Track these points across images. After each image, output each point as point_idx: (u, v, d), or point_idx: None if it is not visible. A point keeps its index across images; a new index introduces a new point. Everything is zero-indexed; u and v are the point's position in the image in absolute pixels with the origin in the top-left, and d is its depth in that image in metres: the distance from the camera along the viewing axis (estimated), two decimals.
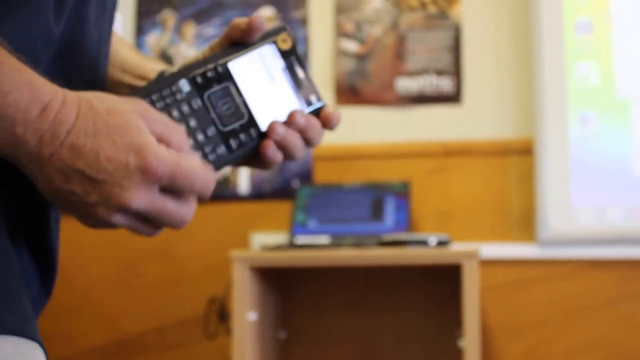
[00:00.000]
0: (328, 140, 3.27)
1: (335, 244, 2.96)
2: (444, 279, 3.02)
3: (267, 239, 3.18)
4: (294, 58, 0.95)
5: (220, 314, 3.23)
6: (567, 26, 3.13)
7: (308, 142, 0.93)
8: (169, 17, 3.45)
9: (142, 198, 0.79)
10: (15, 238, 0.84)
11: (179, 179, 0.80)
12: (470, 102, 3.25)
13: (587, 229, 3.09)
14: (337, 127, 0.96)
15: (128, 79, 1.06)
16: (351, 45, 3.32)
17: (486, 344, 3.10)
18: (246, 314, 2.80)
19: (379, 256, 2.83)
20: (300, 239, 2.99)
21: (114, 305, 3.39)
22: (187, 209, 0.82)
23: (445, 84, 3.26)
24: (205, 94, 0.90)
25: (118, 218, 0.80)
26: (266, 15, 3.39)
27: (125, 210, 0.79)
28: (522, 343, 3.16)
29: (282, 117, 0.93)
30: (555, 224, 3.08)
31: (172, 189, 0.81)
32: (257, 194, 3.32)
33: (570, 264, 3.14)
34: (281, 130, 0.91)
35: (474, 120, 3.24)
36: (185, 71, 0.90)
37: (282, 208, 3.27)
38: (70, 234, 3.34)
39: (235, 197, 3.34)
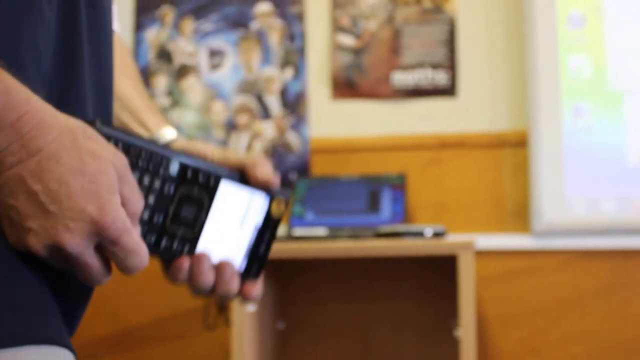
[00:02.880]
0: (325, 133, 3.30)
1: (333, 235, 2.96)
2: (440, 270, 3.03)
3: None
4: (272, 226, 0.93)
5: (219, 305, 3.25)
6: (560, 19, 3.15)
7: (218, 293, 0.92)
8: (167, 12, 3.46)
9: (80, 246, 0.75)
10: None
11: (120, 245, 0.78)
12: (465, 95, 3.26)
13: (580, 219, 3.10)
14: (251, 304, 0.94)
15: (125, 118, 1.04)
16: (347, 40, 3.34)
17: (482, 334, 3.11)
18: (245, 305, 2.83)
19: (375, 247, 2.83)
20: (298, 231, 3.00)
21: (115, 297, 3.40)
22: (105, 274, 0.80)
23: (440, 78, 3.27)
24: (181, 189, 0.87)
25: (44, 252, 0.75)
26: (263, 10, 3.41)
27: (57, 249, 0.75)
28: (517, 332, 3.17)
29: (217, 256, 0.90)
30: (550, 215, 3.10)
31: (107, 250, 0.78)
32: None
33: (564, 255, 3.15)
34: (205, 268, 0.89)
35: (468, 113, 3.26)
36: (185, 157, 0.87)
37: None
38: None
39: None
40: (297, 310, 3.26)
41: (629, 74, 3.11)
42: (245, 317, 2.81)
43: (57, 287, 0.81)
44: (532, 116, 3.13)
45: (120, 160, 0.78)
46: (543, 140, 3.11)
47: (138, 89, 1.08)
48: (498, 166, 3.22)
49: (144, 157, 0.83)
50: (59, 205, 0.74)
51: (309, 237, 2.96)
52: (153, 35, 3.46)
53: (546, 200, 3.10)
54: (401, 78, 3.29)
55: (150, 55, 3.46)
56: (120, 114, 1.04)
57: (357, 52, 3.33)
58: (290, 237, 2.98)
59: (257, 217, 0.92)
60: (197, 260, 0.89)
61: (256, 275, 0.93)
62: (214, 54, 3.43)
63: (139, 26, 3.47)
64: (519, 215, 3.19)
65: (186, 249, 0.88)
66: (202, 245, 0.89)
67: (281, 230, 3.15)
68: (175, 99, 3.43)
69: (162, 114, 1.04)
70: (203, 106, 3.41)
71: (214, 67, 3.43)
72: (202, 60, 3.44)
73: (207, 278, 0.90)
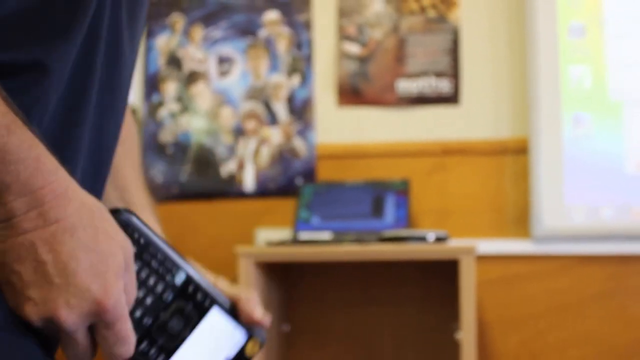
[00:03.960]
0: (331, 139, 3.34)
1: (337, 239, 2.96)
2: (442, 274, 3.05)
3: (271, 235, 3.19)
4: None
5: None
6: (561, 30, 3.16)
7: None
8: (177, 20, 3.49)
9: (76, 323, 0.73)
10: None
11: (113, 330, 0.75)
12: (467, 103, 3.28)
13: (579, 225, 3.11)
14: None
15: (113, 197, 1.01)
16: (353, 48, 3.36)
17: (482, 337, 3.14)
18: None
19: (379, 252, 2.84)
20: (304, 235, 3.00)
21: None
22: (89, 356, 0.77)
23: (443, 86, 3.29)
24: (177, 301, 0.87)
25: (39, 323, 0.73)
26: (272, 18, 3.45)
27: (52, 322, 0.73)
28: (517, 336, 3.18)
29: None
30: (549, 221, 3.11)
31: (98, 333, 0.76)
32: (262, 192, 3.35)
33: (564, 260, 3.16)
34: None
35: (471, 121, 3.27)
36: (192, 270, 0.88)
37: (286, 205, 3.30)
38: None
39: (241, 195, 3.36)
40: (302, 313, 3.28)
41: (629, 85, 3.12)
42: None
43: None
44: (533, 124, 3.15)
45: (128, 247, 0.78)
46: (543, 148, 3.12)
47: (136, 171, 1.05)
48: (499, 173, 3.24)
49: (158, 259, 0.84)
50: (64, 279, 0.72)
51: (314, 241, 2.96)
52: (163, 42, 3.50)
53: (546, 206, 3.11)
54: (405, 86, 3.31)
55: (160, 61, 3.49)
56: (110, 192, 1.01)
57: (362, 60, 3.35)
58: (296, 241, 2.99)
59: (230, 351, 0.91)
60: None
61: None
62: (223, 60, 3.46)
63: (150, 33, 3.50)
64: (520, 221, 3.20)
65: (160, 358, 0.86)
66: None
67: (287, 234, 3.18)
68: (185, 104, 3.46)
69: (149, 200, 1.05)
70: (212, 112, 3.44)
71: (223, 73, 3.46)
72: (211, 66, 3.46)
73: None
